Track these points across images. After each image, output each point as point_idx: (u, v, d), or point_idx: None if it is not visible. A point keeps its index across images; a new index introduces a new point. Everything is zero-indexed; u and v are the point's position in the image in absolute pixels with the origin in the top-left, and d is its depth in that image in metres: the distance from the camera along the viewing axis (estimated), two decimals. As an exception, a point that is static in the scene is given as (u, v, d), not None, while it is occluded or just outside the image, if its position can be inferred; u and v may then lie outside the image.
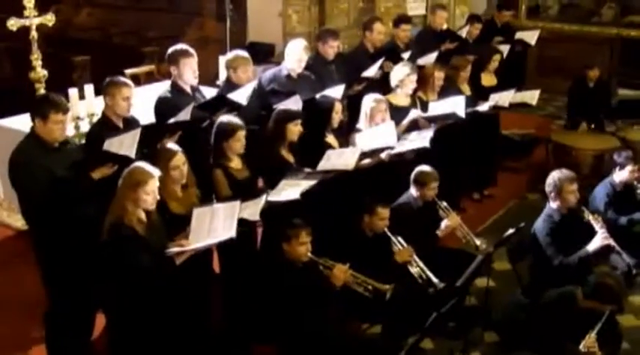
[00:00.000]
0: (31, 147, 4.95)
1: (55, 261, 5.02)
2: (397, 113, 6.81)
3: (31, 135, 5.04)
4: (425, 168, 6.11)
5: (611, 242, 5.98)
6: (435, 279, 5.49)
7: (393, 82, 7.01)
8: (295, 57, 6.81)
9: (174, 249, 4.47)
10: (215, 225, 4.60)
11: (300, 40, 7.00)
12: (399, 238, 5.65)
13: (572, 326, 4.95)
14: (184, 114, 5.51)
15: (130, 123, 5.60)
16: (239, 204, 4.71)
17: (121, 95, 5.48)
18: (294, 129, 5.73)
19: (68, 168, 4.90)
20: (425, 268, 5.56)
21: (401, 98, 7.03)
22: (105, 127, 5.47)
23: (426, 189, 6.04)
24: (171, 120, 5.49)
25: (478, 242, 6.01)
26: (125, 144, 5.02)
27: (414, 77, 6.99)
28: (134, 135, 5.06)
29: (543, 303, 5.34)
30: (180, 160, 4.93)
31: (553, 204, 6.01)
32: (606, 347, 5.00)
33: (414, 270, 5.58)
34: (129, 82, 5.63)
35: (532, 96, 7.98)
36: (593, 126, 9.20)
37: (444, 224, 6.04)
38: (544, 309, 5.26)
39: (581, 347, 4.81)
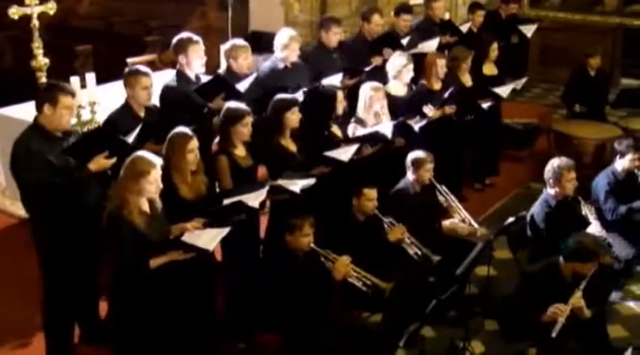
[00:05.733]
0: (32, 139, 4.89)
1: (54, 249, 5.02)
2: (395, 103, 6.85)
3: (34, 126, 4.98)
4: (418, 151, 6.14)
5: (604, 234, 6.07)
6: (430, 254, 5.54)
7: (391, 72, 7.03)
8: (290, 47, 6.80)
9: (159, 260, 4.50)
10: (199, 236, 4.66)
11: (287, 30, 7.03)
12: (390, 218, 5.68)
13: (559, 296, 4.98)
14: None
15: (152, 112, 5.69)
16: (227, 230, 4.74)
17: (140, 85, 5.55)
18: (293, 117, 5.74)
19: (61, 155, 4.87)
20: (419, 244, 5.61)
21: (398, 88, 7.04)
22: (126, 115, 5.55)
23: (422, 171, 6.08)
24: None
25: (477, 226, 6.12)
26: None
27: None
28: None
29: (528, 275, 5.38)
30: (194, 144, 4.99)
31: (550, 191, 6.06)
32: (593, 307, 5.08)
33: (409, 249, 5.63)
34: (148, 71, 5.67)
35: (518, 83, 8.15)
36: (585, 109, 9.17)
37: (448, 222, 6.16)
38: (529, 281, 5.29)
39: (568, 304, 4.89)
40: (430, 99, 7.06)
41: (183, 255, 4.55)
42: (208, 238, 4.63)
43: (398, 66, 6.97)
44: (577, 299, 4.96)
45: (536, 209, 6.10)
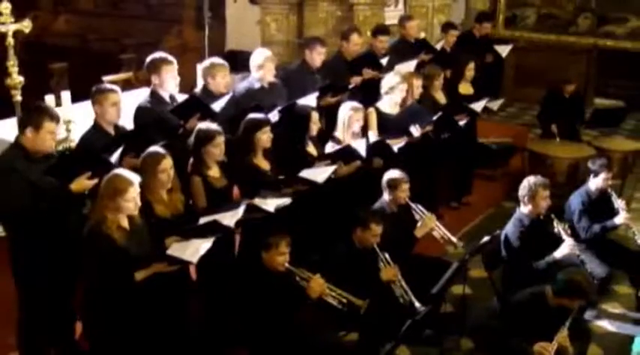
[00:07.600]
0: (15, 159, 4.83)
1: (33, 269, 4.96)
2: (385, 121, 6.90)
3: (15, 145, 4.92)
4: (393, 171, 6.14)
5: (577, 251, 6.09)
6: (417, 303, 5.41)
7: (384, 88, 7.04)
8: (265, 67, 6.80)
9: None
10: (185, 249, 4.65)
11: (262, 50, 7.03)
12: (387, 255, 5.61)
13: (543, 325, 4.98)
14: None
15: (120, 130, 5.64)
16: (211, 241, 4.75)
17: (109, 102, 5.49)
18: (263, 137, 5.74)
19: (44, 176, 4.81)
20: (408, 290, 5.50)
21: (389, 106, 7.06)
22: (97, 135, 5.48)
23: (398, 192, 6.06)
24: None
25: (455, 240, 6.11)
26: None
27: (405, 86, 7.02)
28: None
29: (514, 303, 5.38)
30: (167, 164, 4.95)
31: (524, 209, 6.10)
32: (576, 343, 5.06)
33: (397, 290, 5.55)
34: (115, 88, 5.62)
35: (494, 104, 8.28)
36: (559, 131, 9.27)
37: (420, 223, 6.06)
38: (515, 309, 5.29)
39: (553, 342, 4.87)
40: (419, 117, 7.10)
41: (168, 267, 4.55)
42: (193, 250, 4.62)
43: (392, 82, 6.99)
44: (563, 338, 4.92)
45: (509, 228, 6.13)
